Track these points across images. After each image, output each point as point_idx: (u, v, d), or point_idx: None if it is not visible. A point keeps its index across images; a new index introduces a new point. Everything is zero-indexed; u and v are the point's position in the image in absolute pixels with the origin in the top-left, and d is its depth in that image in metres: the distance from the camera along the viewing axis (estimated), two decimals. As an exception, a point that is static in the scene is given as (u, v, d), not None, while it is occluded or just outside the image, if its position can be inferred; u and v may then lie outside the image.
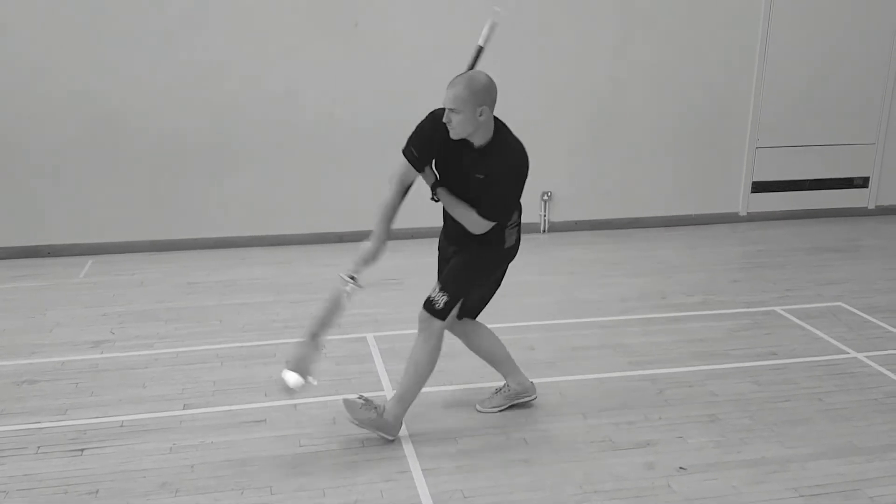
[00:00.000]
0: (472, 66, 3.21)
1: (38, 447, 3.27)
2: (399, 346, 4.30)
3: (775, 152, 6.85)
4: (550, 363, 4.11)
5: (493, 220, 3.14)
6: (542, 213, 6.57)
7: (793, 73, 6.68)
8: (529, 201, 6.52)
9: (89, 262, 5.79)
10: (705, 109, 6.63)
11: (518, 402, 3.64)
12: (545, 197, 6.52)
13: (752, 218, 6.99)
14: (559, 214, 6.62)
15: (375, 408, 3.29)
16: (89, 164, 5.77)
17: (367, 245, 3.14)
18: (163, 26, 5.62)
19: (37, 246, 5.88)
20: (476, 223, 3.13)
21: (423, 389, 3.79)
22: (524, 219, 6.55)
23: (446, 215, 3.30)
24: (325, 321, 3.12)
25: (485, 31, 3.28)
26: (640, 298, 5.10)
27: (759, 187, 6.92)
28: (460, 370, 3.99)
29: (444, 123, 3.02)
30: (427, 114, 3.17)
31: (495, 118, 3.11)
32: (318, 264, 5.80)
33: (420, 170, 3.16)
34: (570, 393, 3.80)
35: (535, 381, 3.87)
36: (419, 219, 6.35)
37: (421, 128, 3.14)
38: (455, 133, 3.01)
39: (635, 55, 6.38)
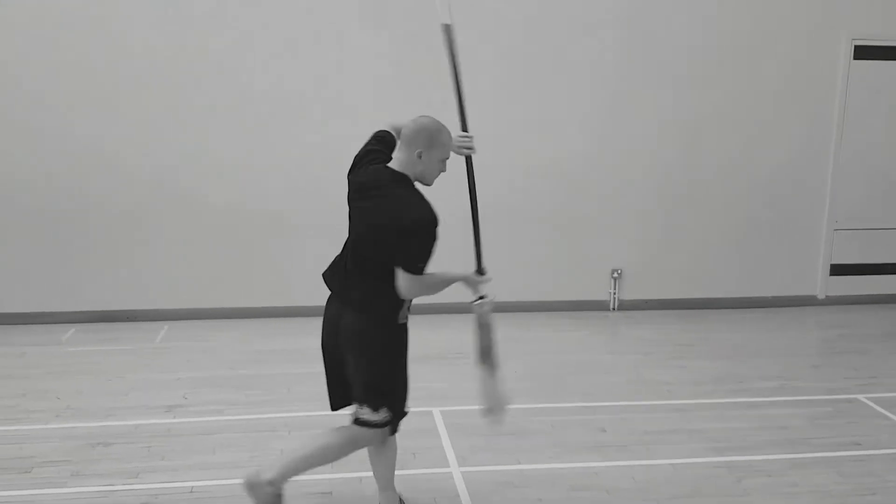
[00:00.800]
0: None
1: (110, 510, 3.32)
2: (466, 421, 4.24)
3: (854, 234, 6.67)
4: (622, 446, 3.99)
5: None
6: (612, 291, 6.49)
7: (872, 154, 6.56)
8: (599, 279, 6.51)
9: (165, 327, 5.94)
10: (781, 189, 6.54)
11: None
12: (615, 274, 6.46)
13: (831, 301, 6.76)
14: (629, 292, 6.53)
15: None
16: (167, 232, 5.99)
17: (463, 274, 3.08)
18: (235, 98, 5.88)
19: (117, 311, 6.07)
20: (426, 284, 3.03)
21: (493, 467, 3.73)
22: (592, 296, 6.35)
23: None
24: (485, 347, 3.10)
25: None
26: (715, 382, 4.94)
27: (837, 270, 6.72)
28: (527, 449, 3.91)
29: None
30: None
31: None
32: (384, 336, 5.81)
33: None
34: (643, 479, 3.66)
35: (606, 464, 3.78)
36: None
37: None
38: None
39: (710, 132, 6.37)
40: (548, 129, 6.20)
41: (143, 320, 6.04)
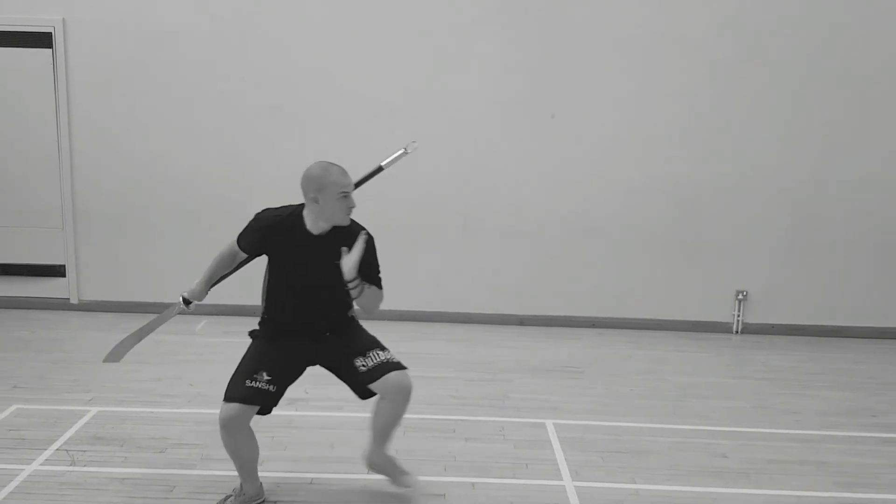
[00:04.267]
0: (363, 181, 3.45)
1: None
2: (578, 435, 4.21)
3: None
4: (744, 474, 3.84)
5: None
6: (736, 313, 6.26)
7: None
8: (723, 300, 6.29)
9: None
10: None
11: None
12: (740, 296, 6.23)
13: (981, 337, 6.28)
14: (754, 316, 6.28)
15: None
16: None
17: (195, 287, 3.47)
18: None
19: (245, 305, 6.34)
20: (380, 297, 3.31)
21: (608, 484, 3.67)
22: (714, 317, 6.14)
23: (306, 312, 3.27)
24: (155, 325, 3.72)
25: (392, 157, 3.58)
26: (846, 414, 4.69)
27: None
28: (644, 468, 3.82)
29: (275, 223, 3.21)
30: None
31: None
32: (496, 345, 5.85)
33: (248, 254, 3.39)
34: (764, 508, 3.52)
35: (726, 491, 3.65)
36: (601, 308, 6.32)
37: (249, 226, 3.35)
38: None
39: (844, 145, 6.07)
40: (672, 145, 6.07)
41: (268, 316, 6.31)
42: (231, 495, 3.37)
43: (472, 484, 3.64)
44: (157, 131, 6.13)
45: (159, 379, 4.88)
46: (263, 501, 3.40)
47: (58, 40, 5.97)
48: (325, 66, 6.02)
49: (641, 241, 6.20)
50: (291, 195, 6.06)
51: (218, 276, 3.48)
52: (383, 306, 6.57)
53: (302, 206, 3.22)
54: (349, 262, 3.12)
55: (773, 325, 6.31)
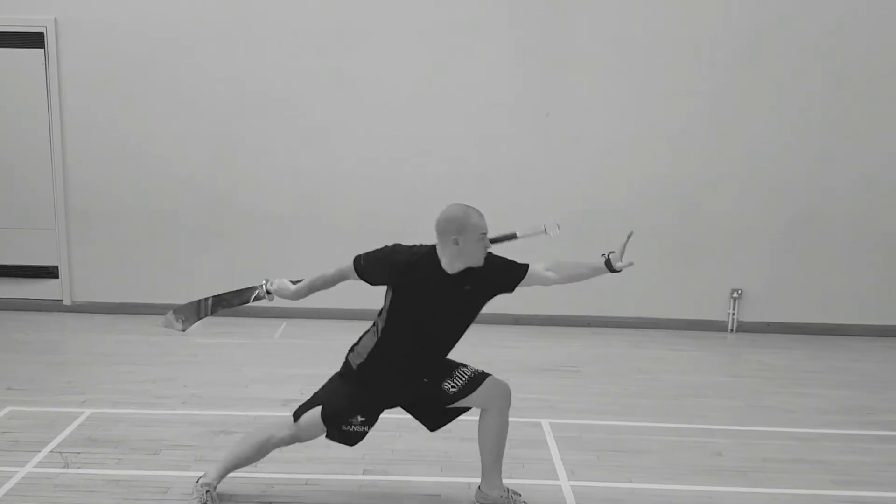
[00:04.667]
0: (495, 241, 3.36)
1: (232, 495, 3.45)
2: (575, 435, 4.20)
3: None
4: (740, 472, 3.83)
5: None
6: (731, 312, 6.27)
7: None
8: (718, 298, 6.29)
9: (283, 324, 6.16)
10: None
11: None
12: (735, 294, 6.23)
13: (976, 334, 6.29)
14: (749, 314, 6.28)
15: None
16: (290, 237, 6.22)
17: (290, 287, 3.52)
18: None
19: (239, 307, 6.32)
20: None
21: (604, 484, 3.65)
22: (710, 316, 6.12)
23: (415, 358, 3.30)
24: (229, 300, 3.72)
25: (529, 230, 3.55)
26: (842, 412, 4.69)
27: (983, 301, 6.25)
28: (640, 468, 3.81)
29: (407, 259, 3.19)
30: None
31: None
32: (494, 345, 5.82)
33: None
34: (761, 507, 3.52)
35: (723, 489, 3.64)
36: (598, 307, 6.31)
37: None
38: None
39: (841, 144, 6.08)
40: (668, 145, 6.07)
41: (264, 316, 6.28)
42: (207, 489, 3.34)
43: (468, 484, 3.62)
44: (151, 132, 6.11)
45: (153, 380, 4.86)
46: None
47: (50, 40, 5.94)
48: (325, 67, 6.00)
49: (639, 241, 6.12)
50: (290, 197, 6.16)
51: (316, 291, 3.51)
52: (374, 306, 6.52)
53: (433, 246, 3.22)
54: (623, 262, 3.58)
55: (768, 324, 6.31)
